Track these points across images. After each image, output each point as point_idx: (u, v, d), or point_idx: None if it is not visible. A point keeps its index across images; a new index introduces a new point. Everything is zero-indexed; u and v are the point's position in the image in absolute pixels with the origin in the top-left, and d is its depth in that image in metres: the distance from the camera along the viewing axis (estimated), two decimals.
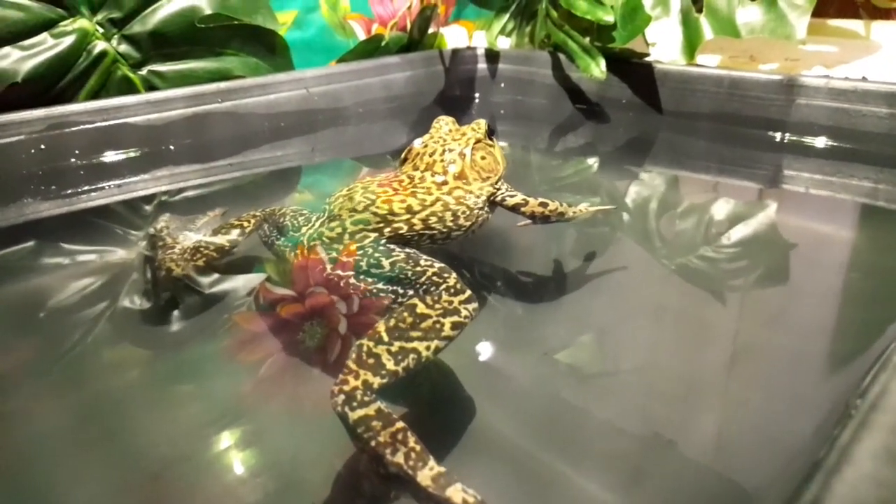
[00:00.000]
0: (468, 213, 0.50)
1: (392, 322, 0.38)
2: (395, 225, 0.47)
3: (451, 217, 0.49)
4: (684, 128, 0.97)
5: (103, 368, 0.45)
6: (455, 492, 0.30)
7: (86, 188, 0.76)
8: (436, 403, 0.42)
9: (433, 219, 0.48)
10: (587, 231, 0.64)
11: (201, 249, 0.52)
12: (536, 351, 0.47)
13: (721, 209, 0.71)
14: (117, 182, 0.77)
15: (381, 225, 0.47)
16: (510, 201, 0.54)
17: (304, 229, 0.50)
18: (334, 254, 0.45)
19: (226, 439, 0.38)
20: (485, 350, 0.46)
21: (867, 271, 0.58)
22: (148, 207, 0.71)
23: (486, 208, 0.53)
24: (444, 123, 0.59)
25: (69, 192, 0.75)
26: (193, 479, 0.36)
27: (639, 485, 0.36)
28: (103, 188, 0.76)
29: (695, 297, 0.55)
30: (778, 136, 0.90)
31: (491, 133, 0.59)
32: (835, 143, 0.86)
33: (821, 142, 0.87)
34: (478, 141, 0.56)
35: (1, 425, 0.40)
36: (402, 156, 0.57)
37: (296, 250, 0.47)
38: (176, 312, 0.50)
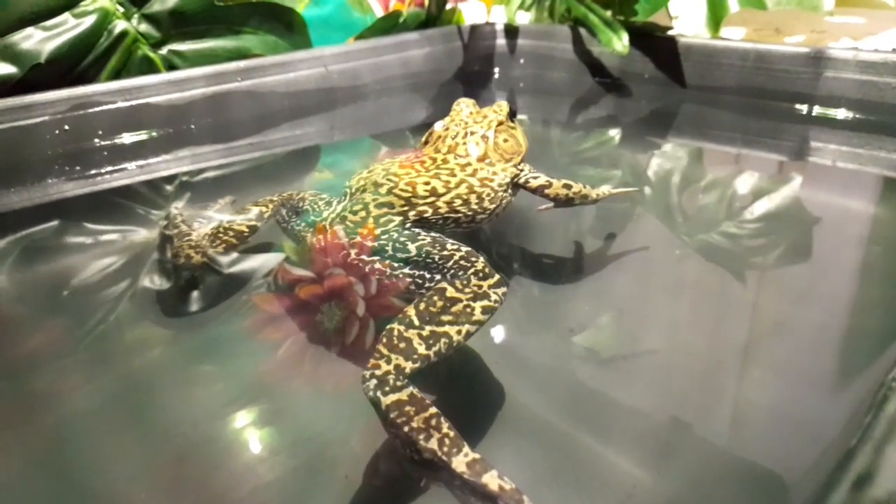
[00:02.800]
0: (493, 195, 0.50)
1: (422, 306, 0.37)
2: (420, 208, 0.46)
3: (476, 200, 0.48)
4: (708, 101, 0.95)
5: (126, 348, 0.46)
6: (491, 479, 0.30)
7: (109, 168, 0.76)
8: (463, 387, 0.42)
9: (458, 201, 0.47)
10: (608, 208, 0.63)
11: (220, 235, 0.52)
12: (561, 331, 0.47)
13: (745, 183, 0.70)
14: (139, 163, 0.78)
15: (406, 208, 0.46)
16: (533, 183, 0.53)
17: (325, 213, 0.49)
18: (357, 238, 0.45)
19: (246, 419, 0.39)
20: (510, 331, 0.46)
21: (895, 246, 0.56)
22: (169, 188, 0.72)
23: (509, 191, 0.52)
24: (464, 106, 0.58)
25: (92, 172, 0.75)
26: (217, 459, 0.36)
27: (668, 462, 0.36)
28: (125, 169, 0.77)
29: (720, 274, 0.54)
30: (805, 108, 0.88)
31: (513, 115, 0.58)
32: (863, 116, 0.84)
33: (848, 115, 0.85)
34: (500, 123, 0.55)
35: (30, 404, 0.41)
36: (423, 139, 0.57)
37: (318, 234, 0.46)
38: (196, 293, 0.50)
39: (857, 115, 0.84)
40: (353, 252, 0.44)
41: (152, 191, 0.71)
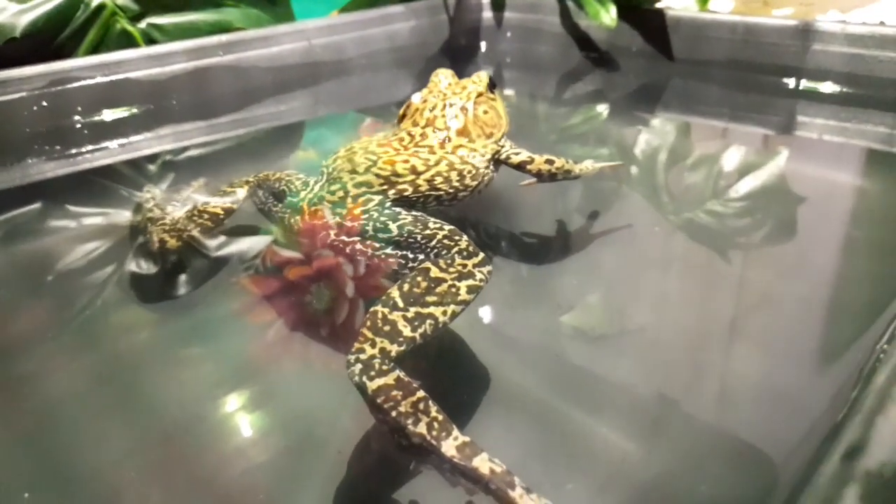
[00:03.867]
0: (474, 172, 0.49)
1: (406, 287, 0.37)
2: (400, 186, 0.46)
3: (458, 177, 0.48)
4: (696, 75, 0.95)
5: (113, 331, 0.46)
6: (482, 461, 0.30)
7: (90, 148, 0.75)
8: (451, 367, 0.42)
9: (438, 179, 0.47)
10: (594, 186, 0.63)
11: (195, 219, 0.51)
12: (549, 308, 0.47)
13: (732, 158, 0.70)
14: (121, 141, 0.77)
15: (385, 187, 0.45)
16: (515, 159, 0.52)
17: (302, 193, 0.47)
18: (338, 218, 0.44)
19: (236, 400, 0.39)
20: (498, 309, 0.46)
21: (882, 219, 0.57)
22: (152, 167, 0.71)
23: (491, 167, 0.52)
24: (443, 77, 0.57)
25: (73, 151, 0.74)
26: (205, 440, 0.36)
27: (657, 436, 0.36)
28: (107, 148, 0.75)
29: (707, 250, 0.54)
30: (792, 82, 0.88)
31: (493, 86, 0.57)
32: (850, 90, 0.84)
33: (836, 88, 0.85)
34: (479, 94, 0.54)
35: (16, 389, 0.40)
36: (401, 112, 0.56)
37: (297, 215, 0.45)
38: (184, 275, 0.50)
39: (844, 89, 0.84)
40: (333, 233, 0.43)
41: (135, 170, 0.70)
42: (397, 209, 0.45)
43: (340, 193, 0.45)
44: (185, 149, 0.76)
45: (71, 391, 0.40)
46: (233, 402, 0.39)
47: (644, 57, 1.00)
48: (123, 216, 0.59)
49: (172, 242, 0.49)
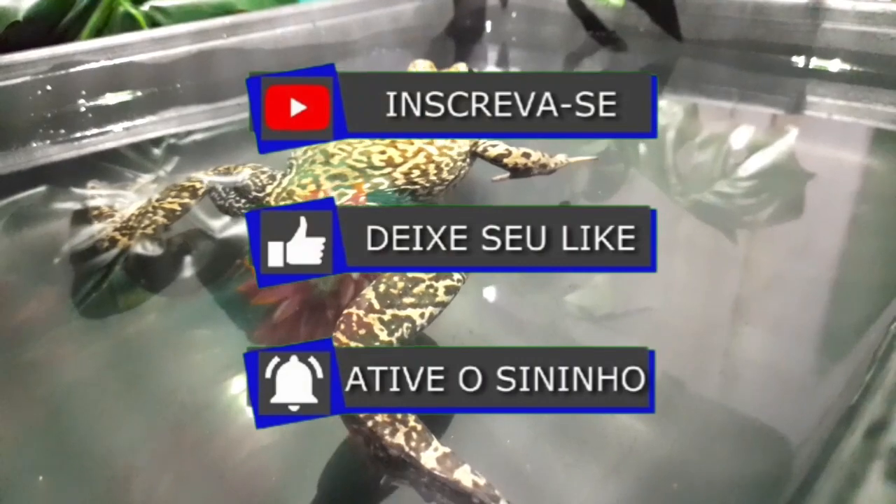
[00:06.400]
0: (452, 165, 0.47)
1: (382, 288, 0.34)
2: (376, 180, 0.44)
3: (435, 170, 0.46)
4: (705, 55, 0.94)
5: (121, 315, 0.46)
6: (464, 474, 0.28)
7: (94, 131, 0.75)
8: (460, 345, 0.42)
9: (416, 172, 0.45)
10: (602, 169, 0.63)
11: (148, 215, 0.48)
12: (556, 290, 0.46)
13: (741, 138, 0.69)
14: (125, 124, 0.77)
15: (360, 180, 0.44)
16: (492, 152, 0.51)
17: (269, 188, 0.46)
18: (348, 199, 0.43)
19: (244, 383, 0.39)
20: (501, 291, 0.46)
21: (894, 199, 0.56)
22: (157, 151, 0.71)
23: (467, 160, 0.50)
24: (420, 68, 0.55)
25: (78, 135, 0.74)
26: (215, 424, 0.37)
27: (668, 417, 0.36)
28: (111, 131, 0.75)
29: (715, 231, 0.54)
30: (802, 61, 0.87)
31: None
32: (860, 69, 0.83)
33: (846, 67, 0.84)
34: None
35: (27, 374, 0.40)
36: None
37: (307, 192, 0.43)
38: (189, 259, 0.50)
39: (854, 68, 0.83)
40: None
41: (140, 154, 0.70)
42: (371, 204, 0.43)
43: (312, 187, 0.43)
44: (191, 132, 0.76)
45: (81, 376, 0.41)
46: (240, 386, 0.39)
47: (652, 37, 0.99)
48: (129, 199, 0.59)
49: (123, 241, 0.47)
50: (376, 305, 0.34)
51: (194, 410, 0.37)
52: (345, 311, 0.34)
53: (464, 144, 0.50)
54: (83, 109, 0.79)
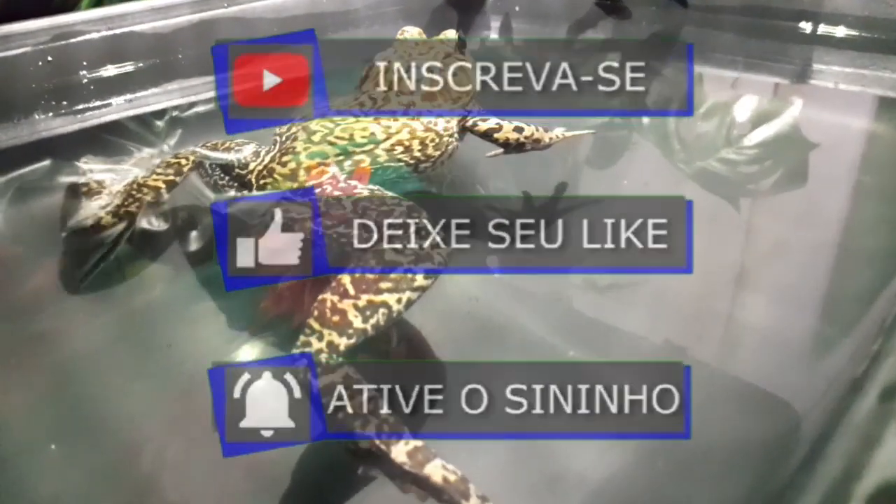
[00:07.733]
0: (437, 141, 0.45)
1: (357, 273, 0.33)
2: (357, 157, 0.43)
3: (419, 147, 0.44)
4: (711, 22, 0.93)
5: (128, 287, 0.46)
6: (434, 469, 0.27)
7: (97, 103, 0.75)
8: (461, 321, 0.42)
9: (399, 148, 0.44)
10: (605, 136, 0.63)
11: (133, 193, 0.47)
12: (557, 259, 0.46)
13: (746, 106, 0.69)
14: (127, 96, 0.76)
15: (341, 157, 0.42)
16: (482, 126, 0.49)
17: (252, 165, 0.44)
18: (345, 174, 0.42)
19: (250, 353, 0.39)
20: (504, 260, 0.46)
21: None
22: (160, 123, 0.70)
23: (455, 136, 0.48)
24: (409, 35, 0.53)
25: (80, 107, 0.74)
26: None
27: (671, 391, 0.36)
28: (113, 103, 0.75)
29: (718, 199, 0.54)
30: (809, 27, 0.85)
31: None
32: (868, 35, 0.82)
33: (853, 33, 0.83)
34: (447, 55, 0.50)
35: (36, 345, 0.41)
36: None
37: (309, 171, 0.42)
38: (195, 231, 0.50)
39: (862, 34, 0.82)
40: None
41: (142, 127, 0.70)
42: (353, 182, 0.41)
43: (292, 165, 0.42)
44: (193, 104, 0.75)
45: (90, 346, 0.41)
46: (247, 356, 0.39)
47: (657, 4, 0.98)
48: (133, 172, 0.59)
49: (108, 219, 0.46)
50: (351, 290, 0.32)
51: (202, 380, 0.38)
52: (319, 297, 0.33)
53: (453, 119, 0.48)
54: (85, 81, 0.79)
